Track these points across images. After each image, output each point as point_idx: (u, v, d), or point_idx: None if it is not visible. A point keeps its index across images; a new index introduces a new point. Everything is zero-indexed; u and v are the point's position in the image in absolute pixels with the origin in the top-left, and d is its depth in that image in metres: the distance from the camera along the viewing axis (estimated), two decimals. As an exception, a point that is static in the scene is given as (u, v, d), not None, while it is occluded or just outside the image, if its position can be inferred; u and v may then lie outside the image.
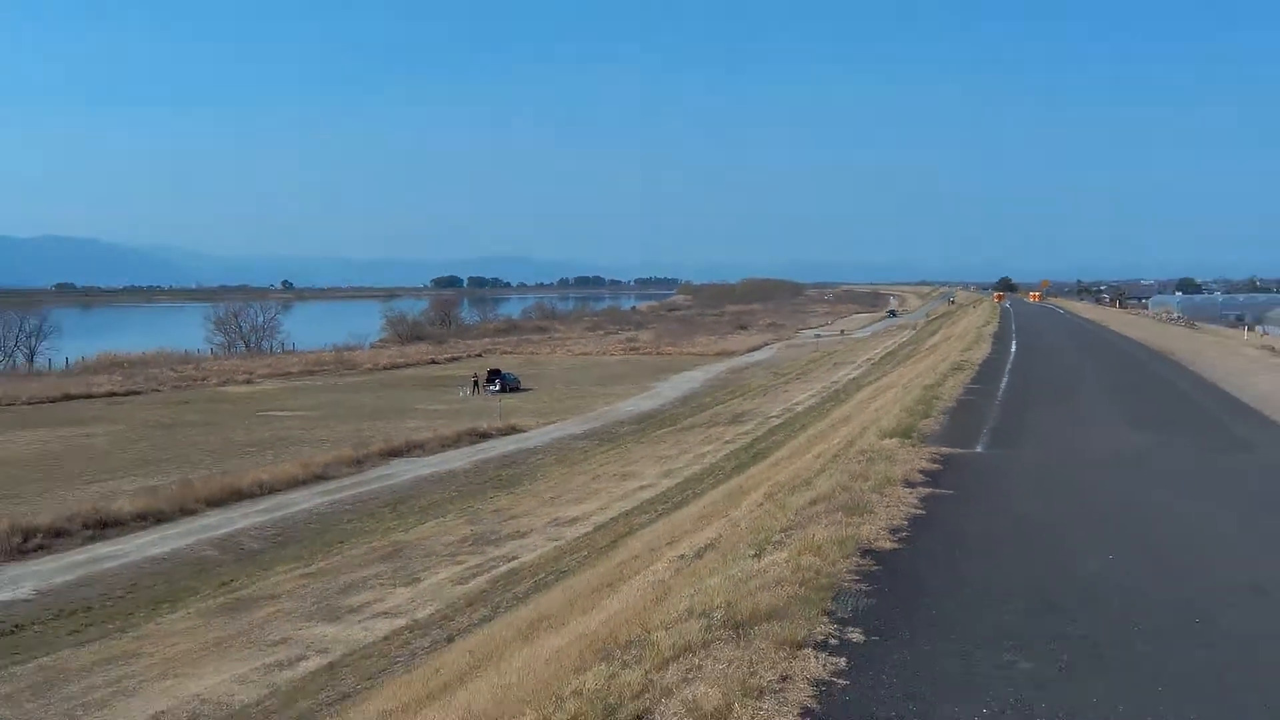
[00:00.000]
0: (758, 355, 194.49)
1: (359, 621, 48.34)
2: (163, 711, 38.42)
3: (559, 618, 34.91)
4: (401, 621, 47.69)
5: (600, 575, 42.44)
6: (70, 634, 48.19)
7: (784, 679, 15.00)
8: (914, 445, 38.83)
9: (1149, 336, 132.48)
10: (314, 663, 43.06)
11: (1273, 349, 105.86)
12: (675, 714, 14.25)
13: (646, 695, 15.26)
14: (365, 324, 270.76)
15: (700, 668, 16.00)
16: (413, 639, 44.53)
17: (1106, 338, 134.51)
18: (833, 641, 16.36)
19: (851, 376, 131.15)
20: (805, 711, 13.83)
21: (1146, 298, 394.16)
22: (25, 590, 53.83)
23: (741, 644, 16.67)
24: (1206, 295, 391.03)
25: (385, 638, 45.50)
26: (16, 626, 49.08)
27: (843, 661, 15.45)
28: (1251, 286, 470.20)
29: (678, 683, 15.51)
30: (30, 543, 60.73)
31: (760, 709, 13.95)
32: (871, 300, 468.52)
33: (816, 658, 15.61)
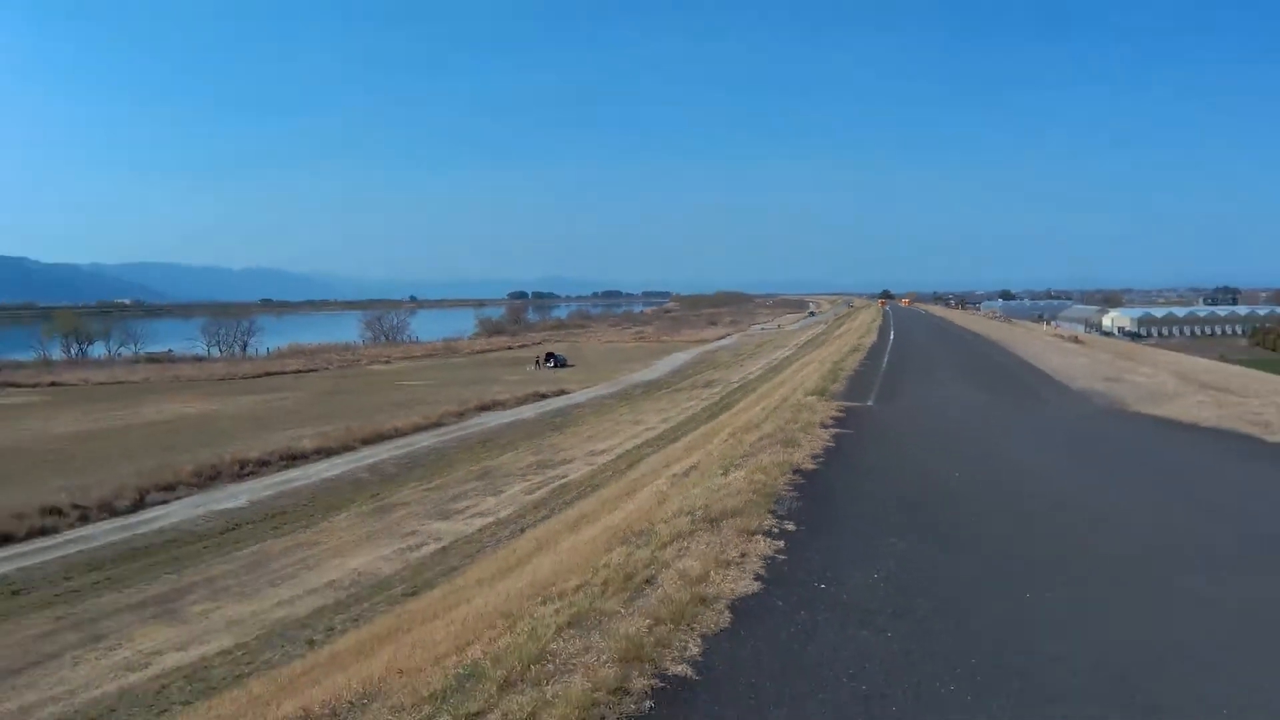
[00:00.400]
0: (724, 342, 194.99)
1: (462, 519, 48.67)
2: (334, 579, 39.21)
3: (594, 515, 34.97)
4: (490, 519, 48.06)
5: (620, 488, 42.55)
6: (271, 529, 48.88)
7: (743, 555, 15.75)
8: (827, 400, 40.48)
9: (981, 329, 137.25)
10: (432, 547, 43.62)
11: (1060, 336, 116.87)
12: (671, 579, 14.62)
13: (652, 567, 15.68)
14: (464, 324, 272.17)
15: (688, 548, 16.36)
16: (497, 531, 44.97)
17: (953, 330, 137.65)
18: (775, 530, 17.14)
19: (786, 355, 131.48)
20: (758, 576, 14.64)
21: (979, 303, 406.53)
22: (242, 501, 54.20)
23: (715, 532, 17.15)
24: (1018, 301, 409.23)
25: (479, 530, 46.00)
26: (235, 524, 49.71)
27: (782, 544, 16.30)
28: (1048, 295, 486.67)
29: (673, 558, 15.93)
30: (245, 470, 61.33)
31: (728, 574, 14.69)
32: (799, 305, 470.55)
33: (765, 541, 16.45)
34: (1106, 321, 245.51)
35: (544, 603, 15.77)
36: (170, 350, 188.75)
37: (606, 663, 11.47)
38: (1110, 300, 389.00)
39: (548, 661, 11.95)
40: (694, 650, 11.78)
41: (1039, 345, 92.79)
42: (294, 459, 65.30)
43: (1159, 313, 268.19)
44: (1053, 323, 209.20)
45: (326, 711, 13.57)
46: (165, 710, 26.94)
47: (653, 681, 10.89)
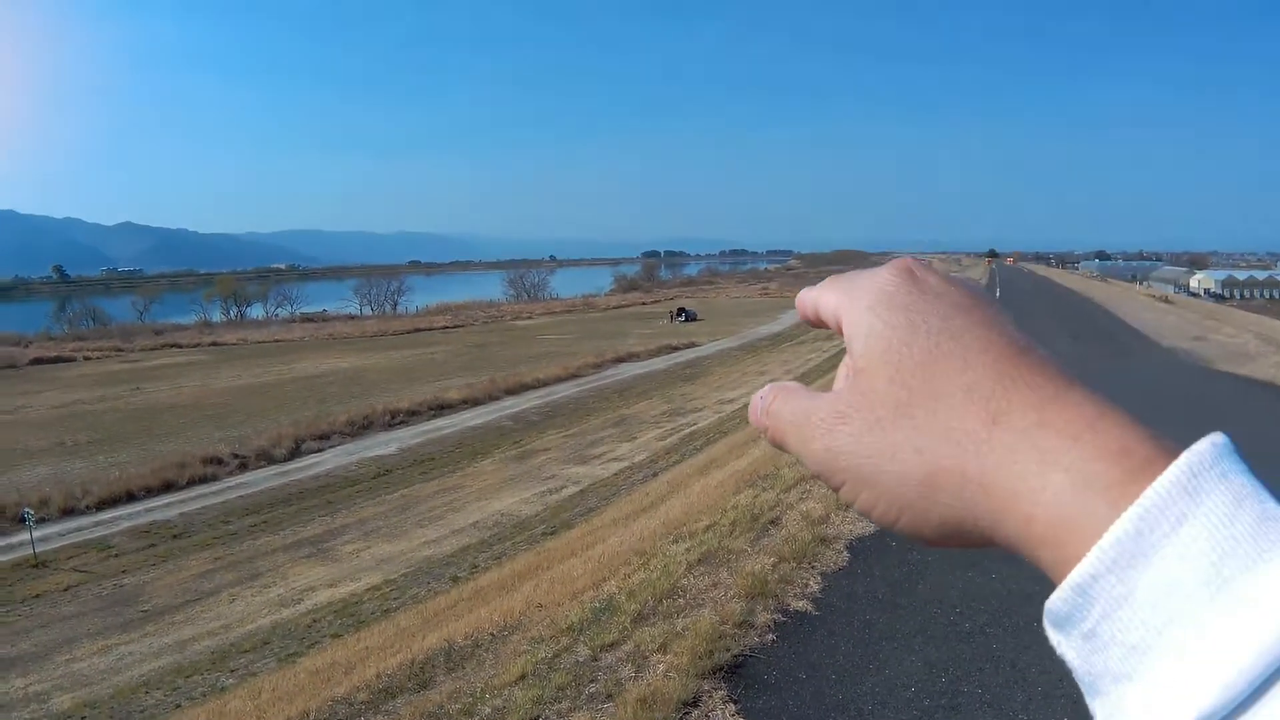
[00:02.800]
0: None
1: (599, 464, 48.83)
2: (478, 520, 39.71)
3: (722, 460, 34.90)
4: (625, 464, 48.11)
5: (746, 434, 42.38)
6: (420, 473, 49.53)
7: None
8: None
9: (1079, 287, 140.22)
10: (570, 490, 44.00)
11: (1151, 296, 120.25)
12: (794, 520, 14.82)
13: (777, 508, 15.83)
14: (601, 281, 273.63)
15: (810, 491, 16.48)
16: (632, 475, 44.97)
17: (1054, 288, 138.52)
18: None
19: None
20: None
21: (1077, 262, 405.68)
22: (392, 448, 54.86)
23: None
24: (1113, 262, 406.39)
25: (615, 474, 46.07)
26: (386, 470, 50.45)
27: None
28: (1140, 256, 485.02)
29: (796, 500, 16.10)
30: (395, 419, 61.91)
31: (847, 516, 14.68)
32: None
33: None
34: (1193, 283, 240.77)
35: (675, 541, 15.91)
36: (324, 310, 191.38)
37: (733, 598, 11.70)
38: (1196, 262, 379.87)
39: (679, 596, 12.23)
40: (814, 587, 11.97)
41: (1132, 304, 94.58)
42: (441, 408, 66.06)
43: (1242, 275, 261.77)
44: (1144, 283, 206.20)
45: (469, 642, 13.79)
46: (316, 642, 27.72)
47: (775, 616, 11.10)
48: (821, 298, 1.09)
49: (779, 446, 1.07)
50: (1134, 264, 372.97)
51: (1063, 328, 61.58)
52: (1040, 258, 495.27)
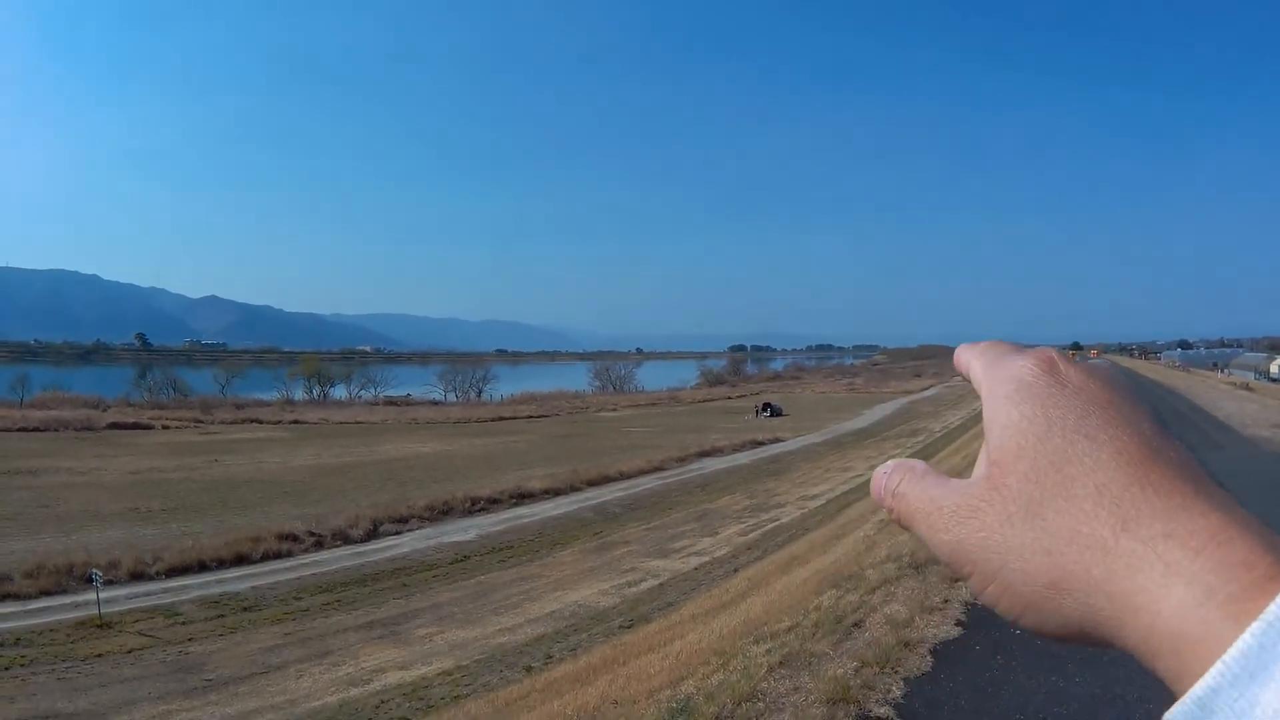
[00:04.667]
0: (927, 393, 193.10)
1: (679, 558, 48.50)
2: (554, 610, 39.40)
3: (804, 558, 34.69)
4: (705, 559, 47.78)
5: (829, 531, 42.14)
6: (498, 561, 49.36)
7: (945, 601, 15.70)
8: None
9: (1161, 378, 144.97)
10: (650, 583, 43.62)
11: (1233, 384, 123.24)
12: (878, 623, 14.63)
13: (861, 610, 15.71)
14: (687, 375, 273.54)
15: (894, 593, 16.45)
16: (712, 569, 44.61)
17: (1137, 379, 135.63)
18: None
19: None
20: (958, 621, 14.48)
21: (1159, 352, 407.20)
22: (471, 535, 54.89)
23: (920, 578, 17.05)
24: (1195, 350, 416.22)
25: (695, 568, 45.67)
26: (464, 556, 50.36)
27: None
28: (1221, 343, 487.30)
29: (880, 603, 16.05)
30: (476, 506, 61.91)
31: (931, 619, 14.57)
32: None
33: (965, 588, 15.57)
34: (1274, 368, 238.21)
35: (756, 642, 15.76)
36: (409, 394, 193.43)
37: (814, 703, 11.45)
38: (1276, 346, 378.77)
39: (758, 700, 11.95)
40: (896, 693, 11.72)
41: (1213, 393, 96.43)
42: (523, 497, 65.88)
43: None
44: (1225, 370, 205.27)
45: None
46: None
47: (856, 723, 10.68)
48: (972, 367, 1.12)
49: (903, 528, 1.08)
50: (1215, 351, 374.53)
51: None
52: (1124, 349, 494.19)
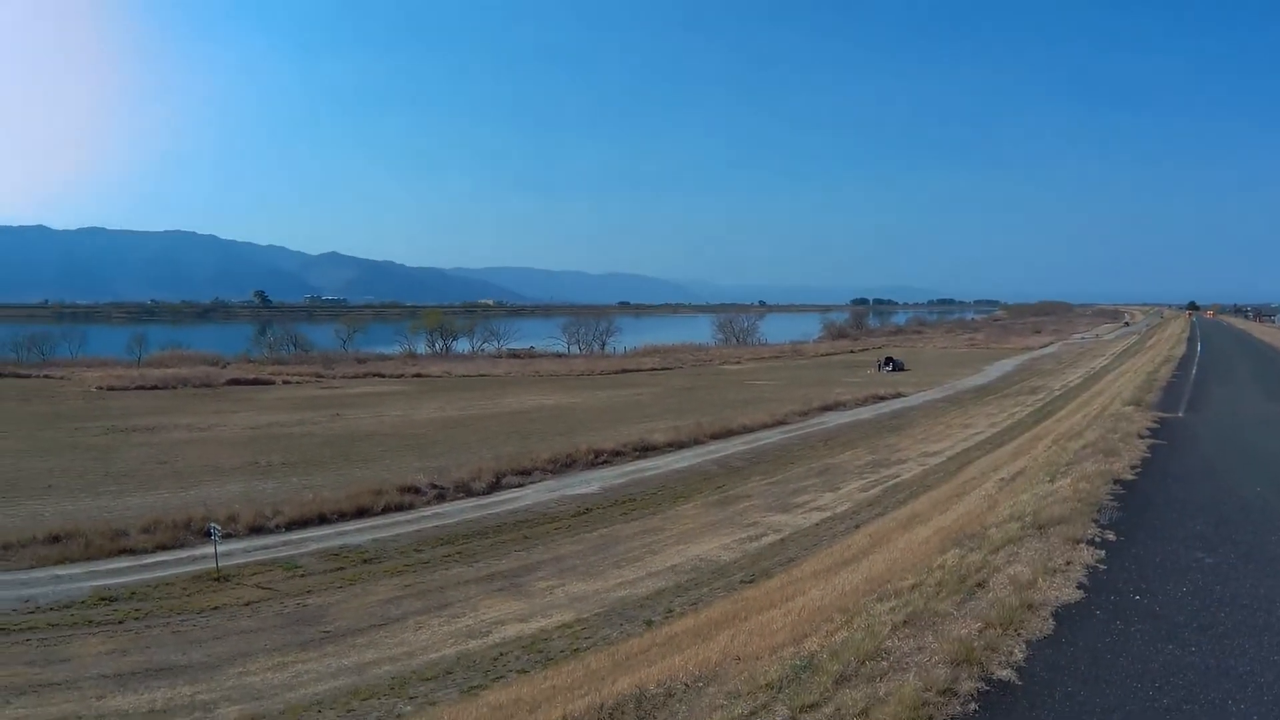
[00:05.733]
0: (1047, 350, 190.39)
1: (800, 513, 48.49)
2: (676, 564, 39.50)
3: (925, 516, 34.55)
4: (827, 514, 47.75)
5: (950, 489, 41.92)
6: (621, 514, 49.50)
7: (1068, 563, 15.73)
8: (1143, 410, 41.53)
9: (1276, 339, 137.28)
10: (771, 538, 43.50)
11: None
12: (1001, 583, 14.72)
13: (984, 571, 15.74)
14: (809, 327, 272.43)
15: (1018, 554, 16.45)
16: (833, 526, 44.58)
17: (1253, 341, 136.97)
18: (1097, 539, 17.15)
19: (1103, 364, 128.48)
20: (1080, 585, 14.57)
21: (1275, 315, 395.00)
22: (594, 487, 55.22)
23: (1043, 539, 17.15)
24: None
25: (816, 524, 45.69)
26: (586, 509, 50.59)
27: (1103, 553, 16.29)
28: None
29: (1004, 563, 16.03)
30: (599, 459, 62.35)
31: (1053, 581, 14.70)
32: (1114, 315, 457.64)
33: (1088, 549, 16.47)
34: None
35: (880, 600, 15.81)
36: (532, 347, 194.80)
37: (938, 663, 11.52)
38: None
39: (882, 658, 12.08)
40: (1018, 656, 11.75)
41: None
42: (646, 450, 66.05)
43: None
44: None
45: (661, 690, 13.69)
46: (501, 676, 27.57)
47: (978, 684, 10.90)
48: None
49: None
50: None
51: (1264, 388, 61.11)
52: (1238, 310, 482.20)
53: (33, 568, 39.86)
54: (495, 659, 29.47)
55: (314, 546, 43.52)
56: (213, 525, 41.07)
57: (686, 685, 13.70)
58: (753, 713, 11.32)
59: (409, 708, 25.69)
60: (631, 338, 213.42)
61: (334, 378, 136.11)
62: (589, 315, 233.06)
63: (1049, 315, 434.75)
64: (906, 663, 11.72)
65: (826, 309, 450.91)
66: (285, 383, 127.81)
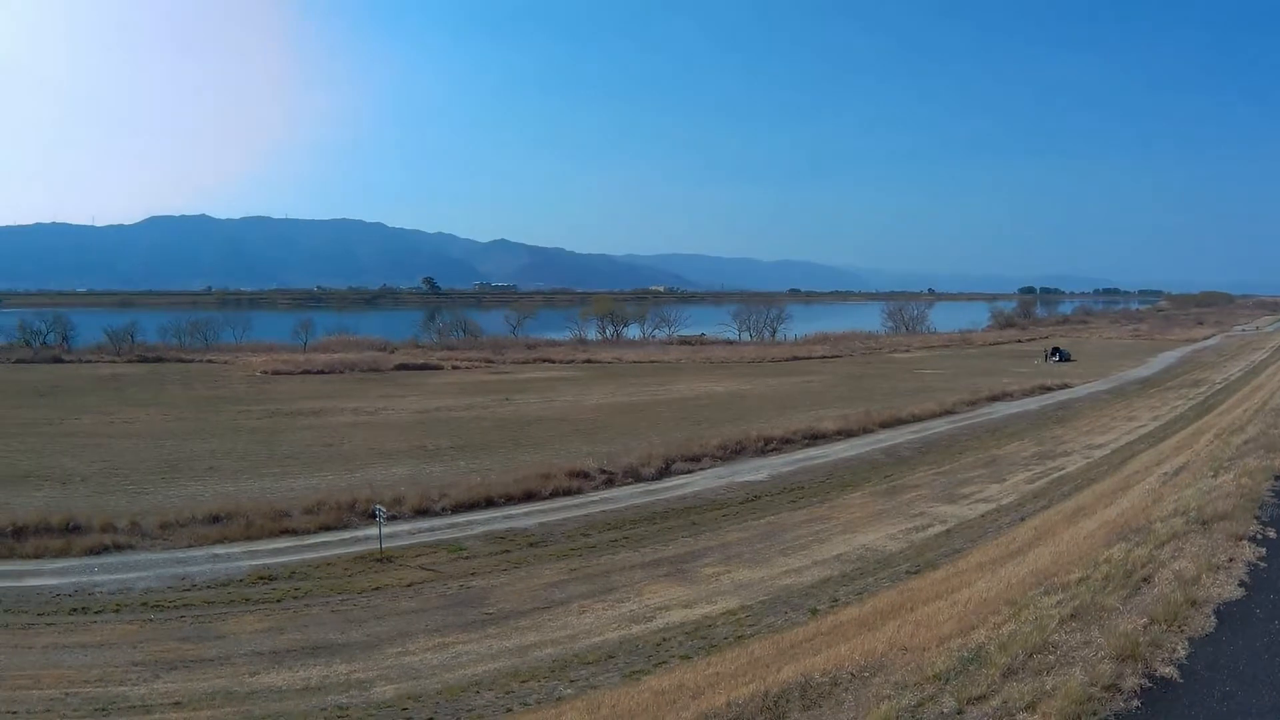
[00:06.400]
0: (1209, 342, 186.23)
1: (966, 504, 48.22)
2: (841, 553, 39.41)
3: (1090, 509, 34.13)
4: (992, 506, 47.50)
5: (1114, 483, 41.34)
6: (788, 502, 49.46)
7: (1230, 559, 15.34)
8: None
9: None
10: (937, 529, 43.37)
11: None
12: (1166, 579, 14.44)
13: (1149, 565, 15.49)
14: (977, 316, 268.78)
15: (1182, 549, 16.20)
16: (998, 517, 44.31)
17: None
18: (1259, 536, 16.60)
19: (1263, 358, 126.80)
20: (1241, 582, 14.21)
21: None
22: (763, 475, 55.36)
23: (1206, 535, 16.95)
24: None
25: (981, 515, 45.46)
26: (755, 496, 50.75)
27: (1264, 550, 15.79)
28: None
29: (1168, 558, 15.74)
30: (768, 446, 62.51)
31: (1216, 578, 14.35)
32: (1273, 308, 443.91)
33: (1250, 546, 16.02)
34: None
35: (1047, 593, 15.75)
36: (703, 334, 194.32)
37: (1103, 658, 11.42)
38: None
39: (1050, 652, 12.08)
40: (1181, 653, 11.61)
41: None
42: (815, 438, 65.98)
43: None
44: None
45: (827, 680, 13.75)
46: (663, 662, 27.59)
47: (1142, 681, 10.80)
48: None
49: None
50: None
51: None
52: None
53: (190, 547, 41.24)
54: (658, 644, 29.59)
55: (480, 529, 44.29)
56: (378, 507, 42.06)
57: (852, 675, 13.73)
58: (920, 704, 11.39)
59: (569, 690, 25.89)
60: (802, 325, 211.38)
61: (503, 363, 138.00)
62: (760, 302, 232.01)
63: (1210, 307, 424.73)
64: (1073, 657, 11.70)
65: (994, 297, 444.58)
66: (454, 368, 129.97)
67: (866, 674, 13.66)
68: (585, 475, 52.92)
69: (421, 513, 46.31)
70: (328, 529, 43.68)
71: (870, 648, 15.77)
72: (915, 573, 34.69)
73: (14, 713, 25.69)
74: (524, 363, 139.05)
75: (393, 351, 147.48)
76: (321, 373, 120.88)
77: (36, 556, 39.69)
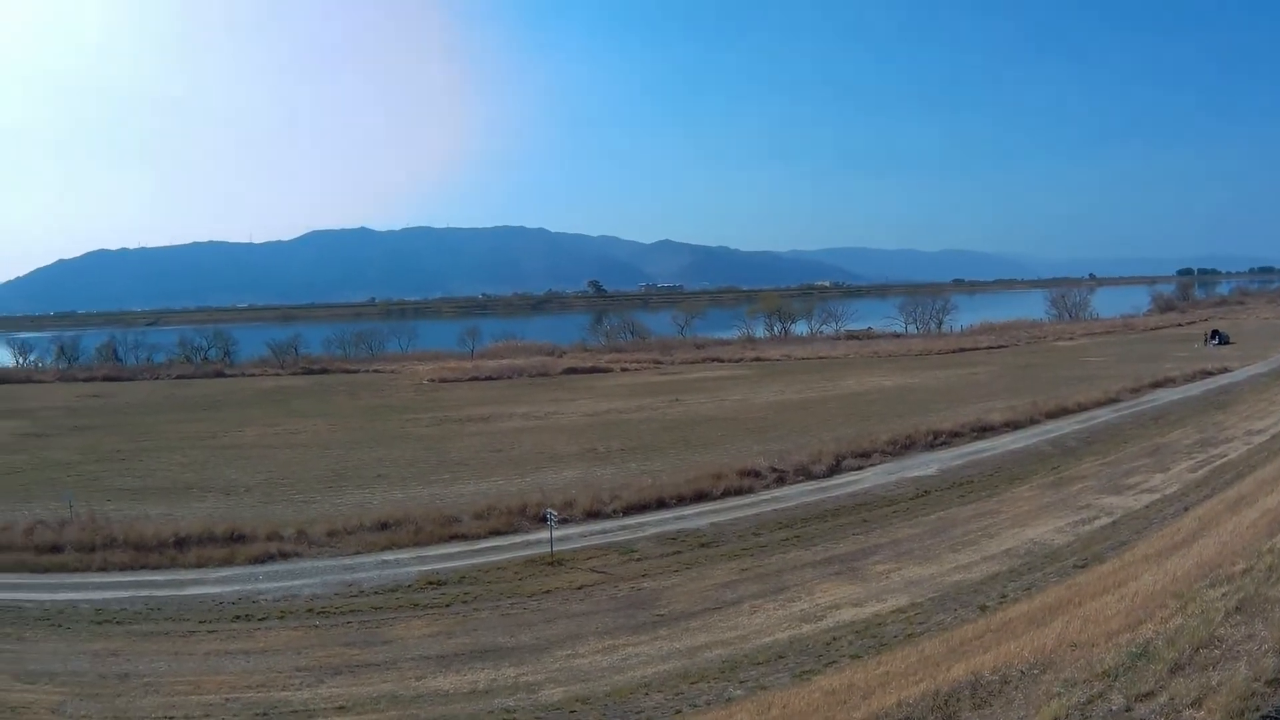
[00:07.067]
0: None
1: (1131, 495, 47.41)
2: (1010, 548, 38.99)
3: (1252, 497, 33.76)
4: (1156, 496, 46.65)
5: (1275, 469, 40.71)
6: (957, 497, 49.10)
7: None
8: None
9: None
10: (1103, 521, 42.65)
11: None
12: None
13: None
14: (1138, 300, 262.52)
15: None
16: (1163, 508, 43.59)
17: None
18: None
19: None
20: None
21: None
22: (932, 469, 55.08)
23: None
24: None
25: (1146, 506, 44.71)
26: (924, 491, 50.43)
27: None
28: None
29: None
30: (937, 440, 62.20)
31: None
32: None
33: None
34: None
35: (1211, 585, 15.59)
36: (869, 328, 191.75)
37: (1268, 652, 11.44)
38: None
39: (1215, 646, 12.12)
40: None
41: None
42: (983, 431, 65.36)
43: None
44: None
45: (996, 678, 13.93)
46: (833, 661, 27.36)
47: (1305, 673, 10.63)
48: None
49: None
50: None
51: None
52: None
53: (358, 554, 42.13)
54: (828, 643, 29.43)
55: (651, 531, 44.47)
56: (549, 511, 42.52)
57: (1022, 672, 13.87)
58: (1089, 701, 11.54)
59: (739, 691, 25.88)
60: (967, 315, 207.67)
61: (672, 364, 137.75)
62: (924, 294, 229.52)
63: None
64: (1238, 651, 11.72)
65: (1153, 280, 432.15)
66: (623, 370, 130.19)
67: (1036, 671, 13.79)
68: (756, 474, 52.90)
69: (592, 515, 46.72)
70: (497, 533, 44.28)
71: (1040, 644, 15.87)
72: (1082, 566, 34.32)
73: (171, 718, 26.34)
74: (692, 363, 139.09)
75: (561, 355, 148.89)
76: (490, 379, 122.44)
77: (199, 566, 40.82)
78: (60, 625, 34.55)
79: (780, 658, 28.47)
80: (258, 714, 26.52)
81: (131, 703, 27.45)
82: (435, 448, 68.58)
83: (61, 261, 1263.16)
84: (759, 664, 28.11)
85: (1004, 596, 32.30)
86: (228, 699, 27.50)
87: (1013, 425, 67.22)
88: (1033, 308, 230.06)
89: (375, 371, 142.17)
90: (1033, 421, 68.71)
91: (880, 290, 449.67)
